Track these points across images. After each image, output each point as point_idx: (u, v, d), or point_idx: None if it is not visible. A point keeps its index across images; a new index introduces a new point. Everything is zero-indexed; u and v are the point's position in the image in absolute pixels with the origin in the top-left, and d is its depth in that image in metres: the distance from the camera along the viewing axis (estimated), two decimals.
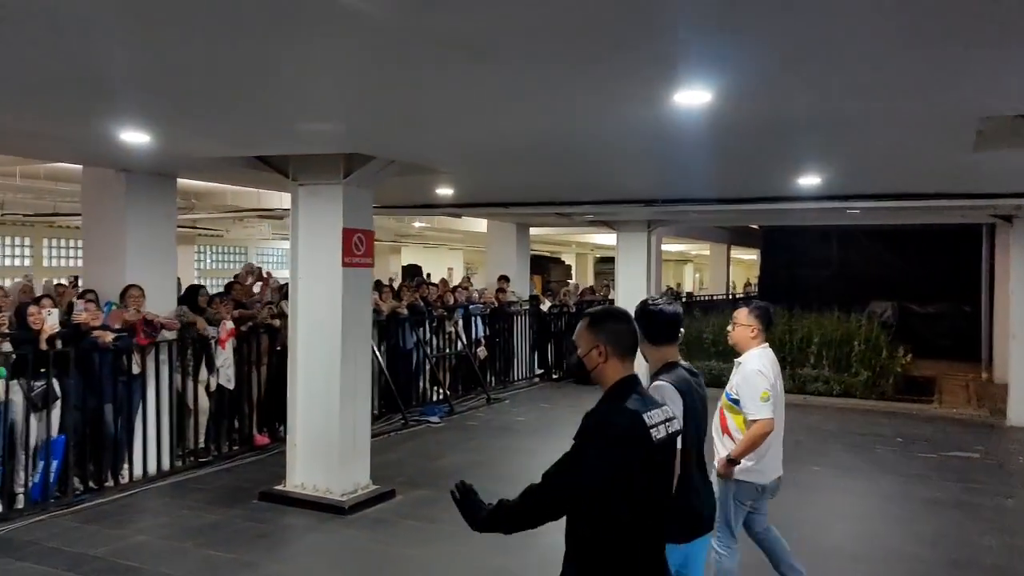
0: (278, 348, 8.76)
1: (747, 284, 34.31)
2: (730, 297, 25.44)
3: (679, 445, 2.78)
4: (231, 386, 7.98)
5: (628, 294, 13.29)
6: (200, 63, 3.69)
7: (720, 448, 4.49)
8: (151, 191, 7.58)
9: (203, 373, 7.81)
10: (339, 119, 5.24)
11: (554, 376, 14.33)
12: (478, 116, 4.88)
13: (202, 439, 7.90)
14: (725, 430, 4.48)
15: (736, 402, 4.41)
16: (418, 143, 6.06)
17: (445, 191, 8.77)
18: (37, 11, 3.00)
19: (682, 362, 3.44)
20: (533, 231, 15.33)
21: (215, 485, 7.23)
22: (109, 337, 6.71)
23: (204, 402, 7.85)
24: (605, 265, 35.63)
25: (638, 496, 2.48)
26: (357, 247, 6.70)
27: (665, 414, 2.62)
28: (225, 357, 7.92)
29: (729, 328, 4.59)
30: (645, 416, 2.51)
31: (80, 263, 17.25)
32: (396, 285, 12.79)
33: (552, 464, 2.51)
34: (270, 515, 6.40)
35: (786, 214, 11.90)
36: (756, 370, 4.39)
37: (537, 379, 14.03)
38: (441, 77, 3.87)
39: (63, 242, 17.15)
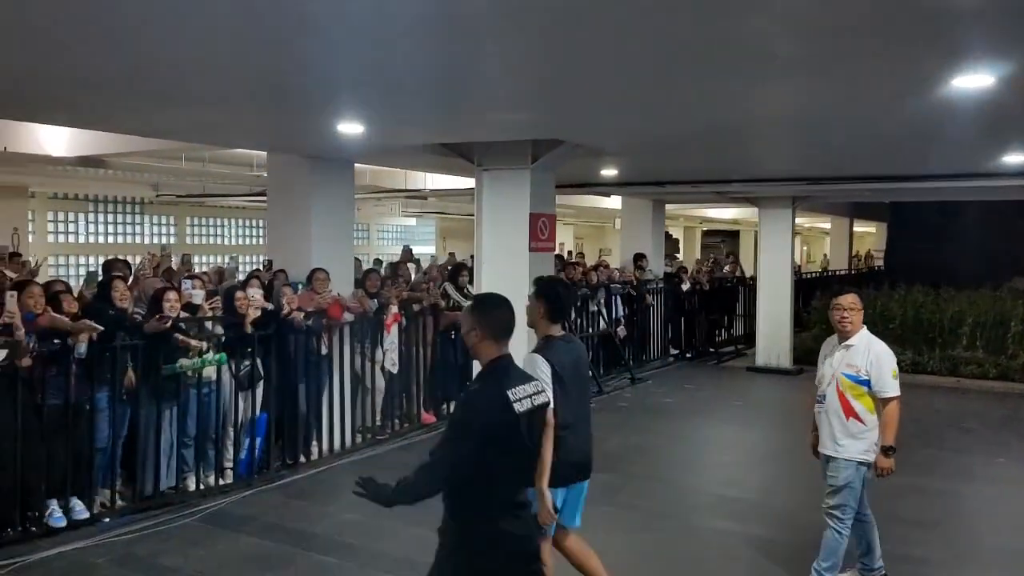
0: (441, 330, 8.93)
1: (857, 257, 32.78)
2: (852, 272, 24.52)
3: (548, 413, 3.29)
4: (395, 370, 8.13)
5: (771, 270, 12.98)
6: (413, 64, 3.81)
7: (841, 432, 4.53)
8: (333, 177, 7.79)
9: (379, 354, 8.01)
10: (539, 110, 5.25)
11: (687, 356, 14.16)
12: (703, 107, 4.79)
13: (378, 417, 8.14)
14: (850, 413, 4.52)
15: (864, 383, 4.47)
16: (614, 129, 6.01)
17: (610, 171, 8.69)
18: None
19: (559, 334, 4.04)
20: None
21: (398, 463, 7.42)
22: (302, 318, 6.94)
23: (380, 382, 8.06)
24: (712, 238, 34.90)
25: (503, 456, 2.95)
26: (542, 231, 6.73)
27: (534, 388, 3.08)
28: (390, 341, 8.06)
29: (842, 315, 4.53)
30: (509, 392, 2.95)
31: (221, 240, 18.10)
32: None
33: (439, 441, 3.00)
34: None
35: (963, 191, 11.30)
36: (887, 350, 4.53)
37: (672, 359, 13.89)
38: (668, 76, 3.82)
39: (204, 220, 17.92)
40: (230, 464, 6.63)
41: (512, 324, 3.11)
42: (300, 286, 7.39)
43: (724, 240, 33.68)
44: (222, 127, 6.17)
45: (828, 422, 4.60)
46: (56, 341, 5.38)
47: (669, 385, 11.57)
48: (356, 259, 8.77)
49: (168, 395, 6.09)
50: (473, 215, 22.19)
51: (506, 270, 6.68)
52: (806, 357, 13.44)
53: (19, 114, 6.39)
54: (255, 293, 6.62)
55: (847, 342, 4.56)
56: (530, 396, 3.03)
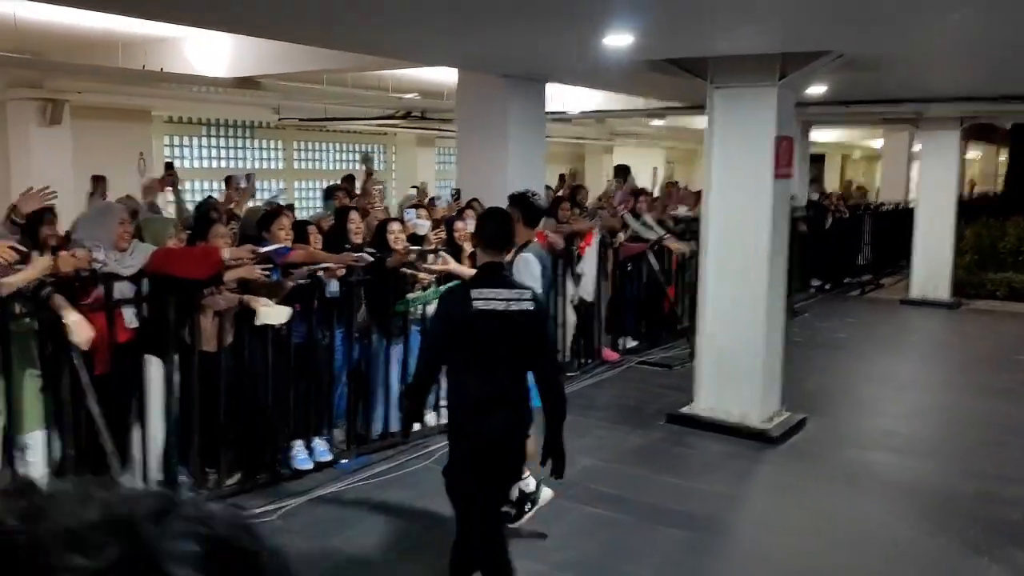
0: (621, 260, 8.46)
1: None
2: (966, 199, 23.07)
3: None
4: (590, 298, 7.71)
5: (932, 198, 12.10)
6: None
7: None
8: (528, 97, 7.24)
9: (570, 288, 7.57)
10: (808, 15, 4.60)
11: (826, 287, 13.51)
12: None
13: (568, 354, 7.76)
14: None
15: None
16: (887, 37, 5.31)
17: (818, 89, 7.95)
18: None
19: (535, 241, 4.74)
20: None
21: (601, 403, 7.06)
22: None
23: (571, 317, 7.66)
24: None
25: (463, 347, 3.30)
26: (784, 156, 6.12)
27: (515, 295, 3.31)
28: (585, 265, 7.55)
29: None
30: (475, 291, 3.29)
31: (322, 165, 17.67)
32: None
33: None
34: (695, 440, 6.17)
35: None
36: None
37: (813, 290, 13.26)
38: None
39: (309, 144, 17.46)
40: (444, 403, 6.31)
41: (498, 236, 3.47)
42: None
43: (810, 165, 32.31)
44: (434, 44, 5.63)
45: None
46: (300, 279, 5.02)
47: (830, 319, 10.99)
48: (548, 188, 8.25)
49: (396, 332, 5.75)
50: (578, 139, 21.09)
51: (744, 198, 6.09)
52: (960, 289, 12.77)
53: (237, 26, 5.93)
54: (472, 224, 6.17)
55: None
56: (505, 300, 3.27)
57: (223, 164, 15.67)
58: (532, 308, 3.33)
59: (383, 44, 6.19)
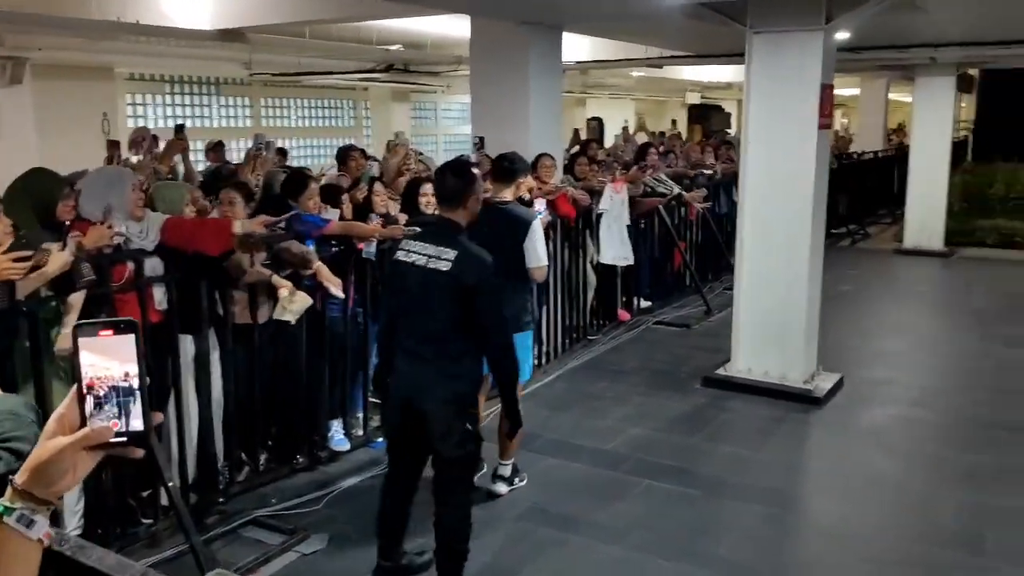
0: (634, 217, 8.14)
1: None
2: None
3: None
4: (630, 261, 7.40)
5: (925, 147, 11.95)
6: None
7: None
8: (545, 45, 6.79)
9: (591, 248, 7.25)
10: None
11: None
12: None
13: (588, 317, 7.46)
14: None
15: None
16: None
17: (843, 35, 7.62)
18: None
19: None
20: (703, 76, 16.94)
21: (629, 367, 6.79)
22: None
23: (592, 278, 7.35)
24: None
25: (391, 297, 3.50)
26: (827, 105, 5.83)
27: (437, 252, 3.19)
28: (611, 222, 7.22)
29: None
30: (404, 242, 3.34)
31: (298, 123, 16.91)
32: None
33: None
34: (738, 403, 5.94)
35: None
36: None
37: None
38: None
39: (280, 101, 16.68)
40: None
41: (442, 191, 3.37)
42: None
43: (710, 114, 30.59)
44: None
45: None
46: (333, 245, 4.61)
47: (830, 271, 10.58)
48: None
49: None
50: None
51: (785, 150, 5.79)
52: (950, 238, 12.74)
53: None
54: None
55: None
56: (428, 256, 3.20)
57: (189, 124, 14.90)
58: (447, 270, 3.15)
59: None
